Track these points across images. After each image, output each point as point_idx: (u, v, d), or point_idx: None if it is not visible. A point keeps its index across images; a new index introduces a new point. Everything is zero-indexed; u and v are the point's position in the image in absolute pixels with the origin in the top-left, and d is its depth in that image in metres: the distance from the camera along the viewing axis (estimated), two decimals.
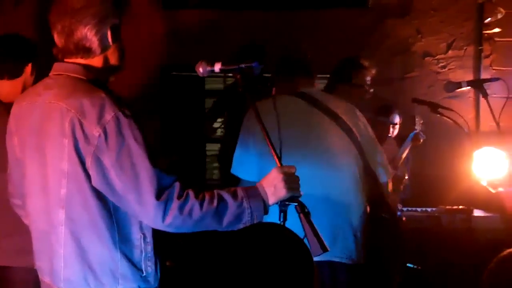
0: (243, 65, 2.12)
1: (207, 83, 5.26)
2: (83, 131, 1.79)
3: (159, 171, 1.80)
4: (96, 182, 1.80)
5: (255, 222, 1.88)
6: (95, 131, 1.78)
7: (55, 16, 1.91)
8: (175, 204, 1.78)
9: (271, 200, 1.91)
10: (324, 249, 1.90)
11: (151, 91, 4.69)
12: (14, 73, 2.95)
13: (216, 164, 5.59)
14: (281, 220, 1.95)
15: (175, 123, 4.73)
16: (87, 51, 1.89)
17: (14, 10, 4.63)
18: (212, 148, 5.53)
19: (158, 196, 1.77)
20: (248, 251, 1.63)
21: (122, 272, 1.87)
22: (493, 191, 2.76)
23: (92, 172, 1.79)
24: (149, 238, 1.91)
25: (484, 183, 2.85)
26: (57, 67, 1.95)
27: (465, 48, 4.75)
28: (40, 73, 3.14)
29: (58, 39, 1.92)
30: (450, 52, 4.74)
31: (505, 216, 2.99)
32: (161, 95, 4.80)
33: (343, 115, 2.76)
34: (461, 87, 3.23)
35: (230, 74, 4.43)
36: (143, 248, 1.90)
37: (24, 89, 3.05)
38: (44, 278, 1.97)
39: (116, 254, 1.86)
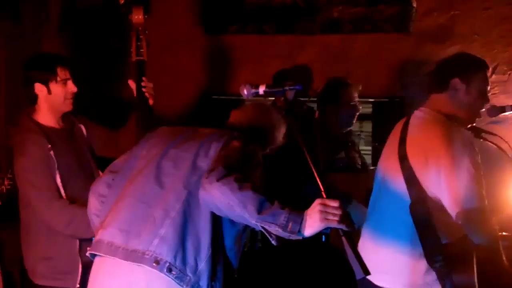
0: (287, 87, 2.14)
1: None
2: (229, 143, 2.26)
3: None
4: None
5: (288, 230, 1.91)
6: (236, 143, 2.25)
7: None
8: (233, 175, 2.01)
9: (307, 228, 1.93)
10: (366, 273, 1.89)
11: (191, 115, 4.73)
12: (29, 98, 2.97)
13: None
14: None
15: None
16: None
17: (59, 35, 4.75)
18: None
19: (226, 166, 2.06)
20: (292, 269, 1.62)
21: (202, 269, 2.10)
22: None
23: None
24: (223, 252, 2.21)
25: None
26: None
27: (508, 72, 4.68)
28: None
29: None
30: (493, 76, 4.67)
31: None
32: (201, 118, 4.85)
33: (416, 150, 2.65)
34: (505, 112, 3.19)
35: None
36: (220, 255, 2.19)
37: (55, 107, 2.99)
38: (110, 237, 2.19)
39: (208, 252, 2.12)
